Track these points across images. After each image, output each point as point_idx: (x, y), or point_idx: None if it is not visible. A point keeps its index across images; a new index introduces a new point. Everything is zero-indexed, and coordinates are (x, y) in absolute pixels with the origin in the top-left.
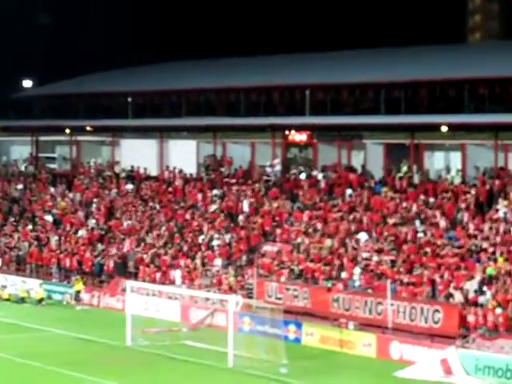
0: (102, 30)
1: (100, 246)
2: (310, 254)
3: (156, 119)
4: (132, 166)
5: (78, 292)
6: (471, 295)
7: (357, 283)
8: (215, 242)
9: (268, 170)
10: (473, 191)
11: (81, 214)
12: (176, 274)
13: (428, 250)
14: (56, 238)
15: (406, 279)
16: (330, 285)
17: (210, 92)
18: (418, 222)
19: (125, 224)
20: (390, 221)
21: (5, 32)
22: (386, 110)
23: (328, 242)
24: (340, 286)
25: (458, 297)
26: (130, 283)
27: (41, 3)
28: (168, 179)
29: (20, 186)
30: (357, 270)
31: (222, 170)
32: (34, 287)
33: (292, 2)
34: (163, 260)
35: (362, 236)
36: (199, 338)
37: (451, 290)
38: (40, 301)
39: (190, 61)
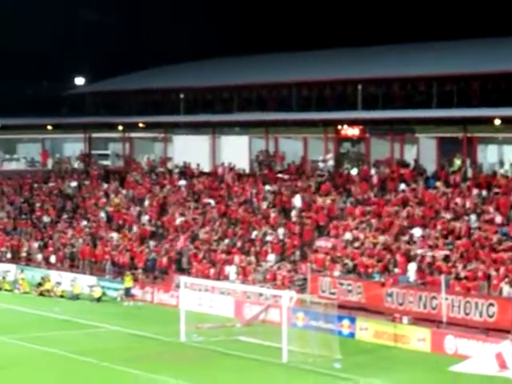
0: (153, 27)
1: (152, 243)
2: (363, 249)
3: (208, 115)
4: (184, 162)
5: (128, 288)
6: None
7: (411, 278)
8: (268, 238)
9: (320, 164)
10: None
11: (134, 210)
12: (230, 270)
13: (482, 244)
14: (109, 234)
15: (460, 273)
16: (383, 279)
17: (262, 87)
18: (472, 217)
19: (178, 220)
20: (444, 215)
21: (57, 29)
22: (438, 103)
23: (381, 237)
24: (391, 280)
25: None
26: (183, 279)
27: (93, 0)
28: (220, 175)
29: (73, 183)
30: (412, 266)
31: (275, 165)
32: (91, 284)
33: None
34: (217, 256)
35: (416, 231)
36: (253, 333)
37: (505, 284)
38: (98, 299)
39: (242, 56)
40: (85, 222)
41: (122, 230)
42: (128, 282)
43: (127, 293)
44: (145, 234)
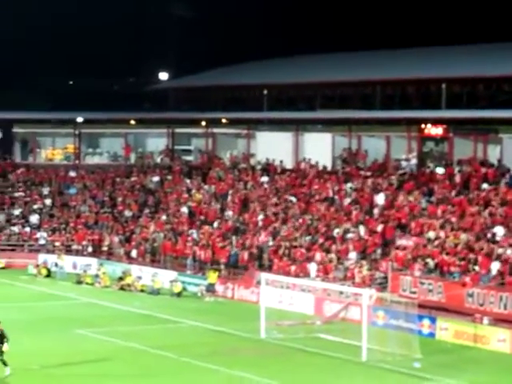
0: (238, 24)
1: (234, 238)
2: (444, 248)
3: (291, 112)
4: (267, 159)
5: (212, 284)
6: None
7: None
8: (350, 235)
9: (403, 163)
10: None
11: (216, 206)
12: (311, 267)
13: None
14: (191, 230)
15: None
16: (467, 279)
17: (346, 85)
18: None
19: (259, 216)
20: None
21: (141, 24)
22: None
23: (463, 236)
24: (469, 280)
25: None
26: (264, 276)
27: None
28: (303, 172)
29: (156, 178)
30: (495, 265)
31: (357, 163)
32: (172, 279)
33: None
34: (297, 252)
35: (499, 230)
36: (333, 331)
37: None
38: (179, 294)
39: (325, 54)
40: (166, 217)
41: (204, 225)
42: (212, 277)
43: (210, 288)
44: (226, 230)
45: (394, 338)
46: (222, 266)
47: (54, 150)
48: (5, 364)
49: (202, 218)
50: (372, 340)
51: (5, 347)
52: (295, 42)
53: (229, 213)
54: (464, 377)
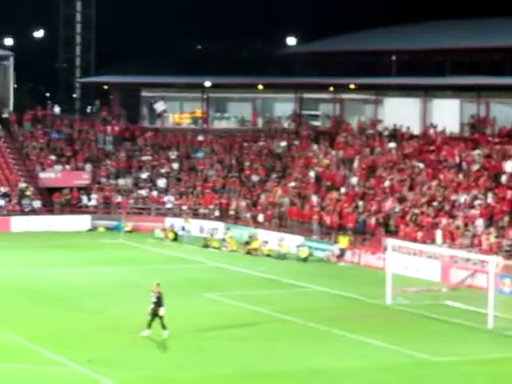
0: None
1: (361, 204)
2: None
3: (419, 78)
4: (395, 125)
5: (343, 249)
6: None
7: None
8: (477, 202)
9: None
10: None
11: (342, 171)
12: (437, 234)
13: None
14: (317, 195)
15: None
16: None
17: (475, 51)
18: None
19: (386, 182)
20: None
21: None
22: None
23: None
24: None
25: None
26: (391, 242)
27: None
28: (430, 138)
29: (283, 143)
30: None
31: (485, 129)
32: (298, 244)
33: None
34: (424, 219)
35: None
36: (459, 298)
37: None
38: (305, 259)
39: (455, 20)
40: (293, 183)
41: (330, 190)
42: (344, 242)
43: (341, 253)
44: (353, 196)
45: None
46: (349, 232)
47: (182, 115)
48: (164, 327)
49: (329, 183)
50: (498, 308)
51: (161, 311)
52: (425, 7)
53: (355, 178)
54: None
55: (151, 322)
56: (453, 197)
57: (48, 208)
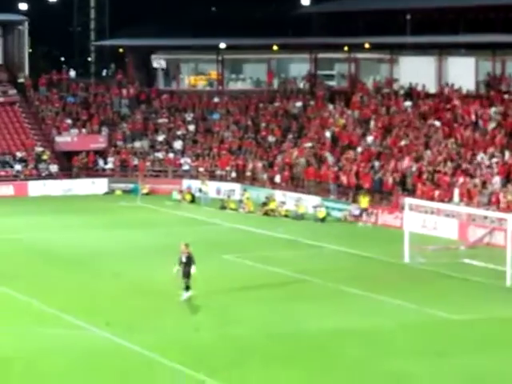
0: None
1: (378, 163)
2: None
3: (434, 36)
4: (410, 84)
5: (364, 209)
6: None
7: None
8: (494, 160)
9: None
10: None
11: (358, 131)
12: (454, 192)
13: None
14: (333, 155)
15: None
16: None
17: (489, 9)
18: None
19: (402, 141)
20: None
21: None
22: None
23: None
24: None
25: None
26: (408, 200)
27: None
28: (446, 96)
29: (299, 104)
30: None
31: (501, 87)
32: (315, 205)
33: None
34: (441, 178)
35: None
36: (477, 256)
37: None
38: (323, 219)
39: None
40: (309, 143)
41: (347, 150)
42: (364, 202)
43: (361, 213)
44: (370, 155)
45: None
46: (366, 191)
47: (197, 76)
48: (188, 288)
49: (345, 143)
50: None
51: (193, 269)
52: None
53: (371, 138)
54: None
55: (188, 283)
56: (469, 155)
57: (65, 172)
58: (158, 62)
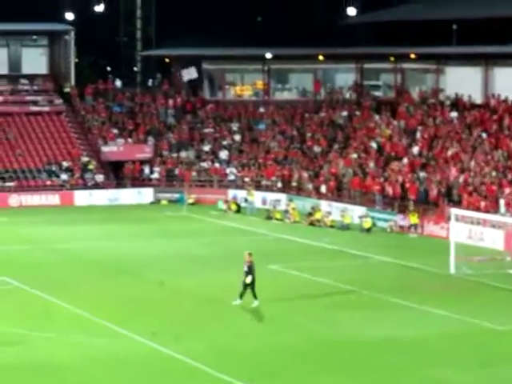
0: None
1: (423, 174)
2: None
3: (481, 46)
4: (456, 94)
5: (414, 225)
6: None
7: None
8: None
9: None
10: None
11: (405, 141)
12: (500, 203)
13: None
14: (379, 165)
15: None
16: None
17: None
18: None
19: (449, 152)
20: None
21: None
22: None
23: None
24: None
25: None
26: (454, 211)
27: None
28: (493, 107)
29: (344, 113)
30: None
31: None
32: (361, 215)
33: None
34: (488, 188)
35: None
36: None
37: None
38: (368, 230)
39: None
40: (355, 153)
41: (393, 161)
42: (414, 219)
43: (410, 227)
44: (416, 166)
45: None
46: (411, 202)
47: (243, 86)
48: (241, 296)
49: (392, 153)
50: None
51: (248, 279)
52: None
53: (417, 148)
54: None
55: (243, 292)
56: None
57: (110, 181)
58: (189, 73)
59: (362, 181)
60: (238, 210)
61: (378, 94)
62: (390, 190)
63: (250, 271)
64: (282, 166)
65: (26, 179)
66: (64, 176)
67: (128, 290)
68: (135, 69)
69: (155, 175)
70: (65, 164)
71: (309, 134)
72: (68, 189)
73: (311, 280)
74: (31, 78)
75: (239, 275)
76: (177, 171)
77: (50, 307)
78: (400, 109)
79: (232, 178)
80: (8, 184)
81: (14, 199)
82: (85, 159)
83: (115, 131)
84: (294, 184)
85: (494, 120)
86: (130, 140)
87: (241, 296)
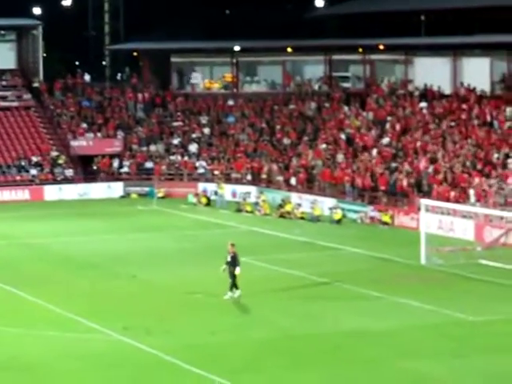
0: None
1: (393, 165)
2: None
3: (449, 37)
4: (425, 84)
5: (386, 223)
6: None
7: None
8: (510, 160)
9: None
10: None
11: (374, 132)
12: (470, 193)
13: None
14: (349, 157)
15: None
16: None
17: (504, 9)
18: None
19: (418, 142)
20: None
21: None
22: None
23: None
24: None
25: None
26: (424, 202)
27: None
28: (462, 97)
29: (314, 105)
30: None
31: None
32: (331, 206)
33: None
34: (457, 178)
35: None
36: (494, 257)
37: None
38: (339, 221)
39: None
40: (325, 145)
41: (362, 152)
42: (386, 218)
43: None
44: (385, 157)
45: None
46: (381, 193)
47: (212, 79)
48: (236, 287)
49: (361, 144)
50: None
51: (237, 271)
52: None
53: (387, 139)
54: None
55: (233, 284)
56: (485, 155)
57: (80, 176)
58: (196, 77)
59: (332, 172)
60: (208, 203)
61: (347, 85)
62: (360, 182)
63: (235, 262)
64: (251, 158)
65: None
66: (33, 171)
67: (99, 284)
68: (104, 63)
69: (125, 169)
70: (34, 159)
71: (278, 127)
72: (38, 184)
73: (283, 272)
74: None
75: (211, 268)
76: (147, 165)
77: (20, 302)
78: (369, 100)
79: (202, 171)
80: None
81: None
82: (54, 154)
83: (84, 126)
84: (264, 176)
85: (462, 110)
86: (99, 134)
87: (231, 288)
